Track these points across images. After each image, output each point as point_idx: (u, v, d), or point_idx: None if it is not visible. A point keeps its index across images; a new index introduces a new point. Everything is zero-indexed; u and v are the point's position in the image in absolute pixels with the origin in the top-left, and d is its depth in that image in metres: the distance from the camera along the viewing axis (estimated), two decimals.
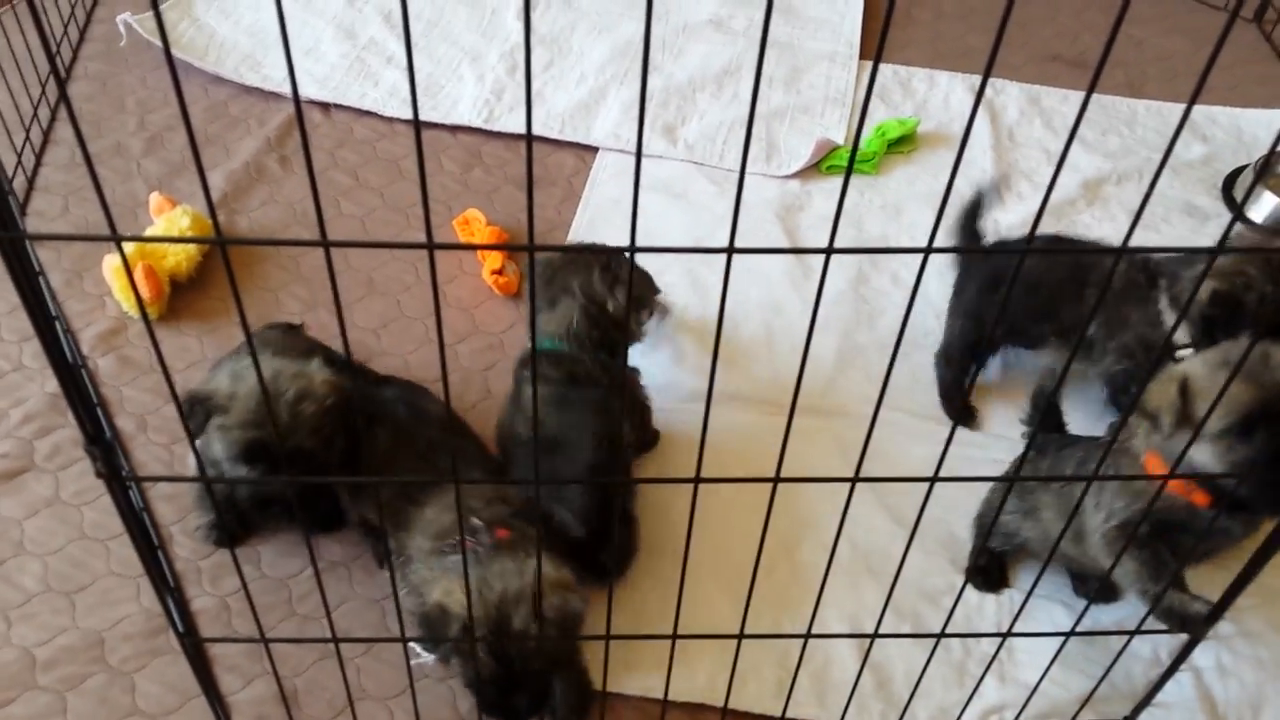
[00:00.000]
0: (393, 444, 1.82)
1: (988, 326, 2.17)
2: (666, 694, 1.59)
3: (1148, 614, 1.56)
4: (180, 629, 1.44)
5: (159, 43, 2.95)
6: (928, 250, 1.01)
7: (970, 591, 1.93)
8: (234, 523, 1.92)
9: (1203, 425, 1.31)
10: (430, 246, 0.98)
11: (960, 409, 2.24)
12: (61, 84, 0.92)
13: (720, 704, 1.63)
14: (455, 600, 1.49)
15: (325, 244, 0.96)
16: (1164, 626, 1.59)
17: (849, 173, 0.96)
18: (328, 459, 1.72)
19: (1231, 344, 1.58)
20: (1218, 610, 1.51)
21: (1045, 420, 1.89)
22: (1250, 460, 1.45)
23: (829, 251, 0.99)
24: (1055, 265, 2.11)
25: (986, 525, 1.94)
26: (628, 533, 1.93)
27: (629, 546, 1.93)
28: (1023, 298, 2.14)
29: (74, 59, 2.99)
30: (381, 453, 1.81)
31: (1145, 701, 1.70)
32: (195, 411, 1.67)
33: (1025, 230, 2.68)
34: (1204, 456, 1.51)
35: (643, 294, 2.05)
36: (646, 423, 2.11)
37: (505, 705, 1.52)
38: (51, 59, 0.92)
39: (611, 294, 1.91)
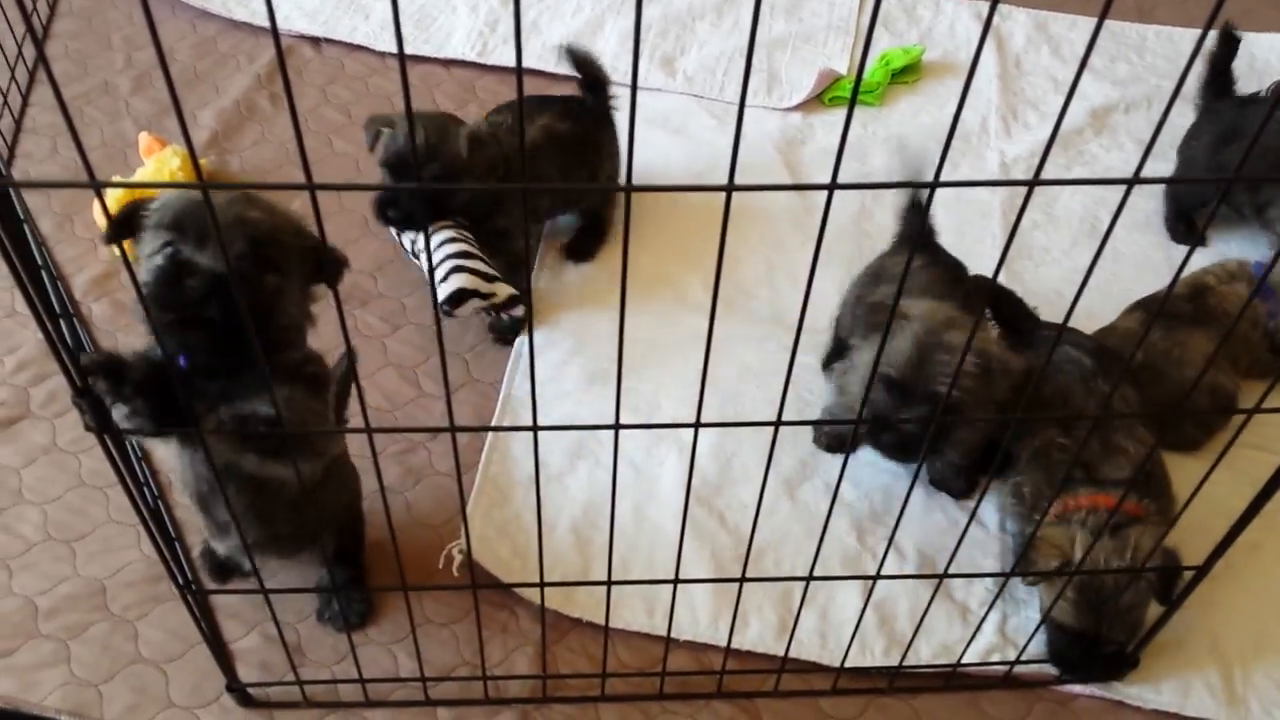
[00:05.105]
0: None
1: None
2: (669, 634, 1.59)
3: (1147, 557, 1.56)
4: (181, 581, 1.44)
5: None
6: (934, 185, 0.98)
7: (975, 529, 1.92)
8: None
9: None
10: (419, 190, 0.95)
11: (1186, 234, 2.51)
12: (39, 44, 0.89)
13: (724, 643, 1.63)
14: None
15: (311, 187, 0.94)
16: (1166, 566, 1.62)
17: (852, 105, 0.92)
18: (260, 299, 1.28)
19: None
20: (1214, 556, 1.52)
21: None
22: None
23: (831, 187, 0.95)
24: None
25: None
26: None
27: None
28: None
29: None
30: None
31: (1148, 637, 1.69)
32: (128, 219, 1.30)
33: (1033, 161, 2.63)
34: None
35: None
36: None
37: None
38: (27, 17, 0.88)
39: None
